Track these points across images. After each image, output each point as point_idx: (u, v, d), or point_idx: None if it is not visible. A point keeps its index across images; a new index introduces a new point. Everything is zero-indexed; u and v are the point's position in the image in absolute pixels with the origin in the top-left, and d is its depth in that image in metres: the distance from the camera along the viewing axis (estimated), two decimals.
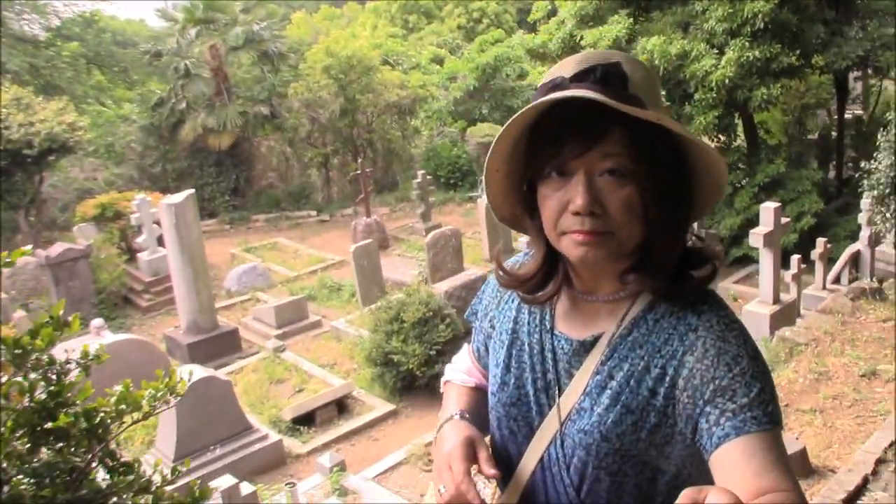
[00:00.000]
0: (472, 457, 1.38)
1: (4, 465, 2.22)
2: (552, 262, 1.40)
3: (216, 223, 18.33)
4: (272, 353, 10.90)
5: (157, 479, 2.44)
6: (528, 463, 1.41)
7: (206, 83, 18.92)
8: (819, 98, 15.21)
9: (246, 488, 5.30)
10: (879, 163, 9.02)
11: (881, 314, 7.30)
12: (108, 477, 2.37)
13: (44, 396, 2.20)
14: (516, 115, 1.24)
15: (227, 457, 7.94)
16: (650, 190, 1.24)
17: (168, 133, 19.25)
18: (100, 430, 2.33)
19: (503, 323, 1.52)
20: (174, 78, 19.07)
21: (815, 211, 12.51)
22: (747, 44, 11.65)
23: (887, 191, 8.90)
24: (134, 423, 2.43)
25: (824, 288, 10.24)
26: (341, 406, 9.54)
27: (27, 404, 2.18)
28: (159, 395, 2.41)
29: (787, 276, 9.50)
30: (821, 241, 10.20)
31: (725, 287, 12.33)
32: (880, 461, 4.28)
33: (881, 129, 9.27)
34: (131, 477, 2.21)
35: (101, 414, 2.32)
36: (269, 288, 14.29)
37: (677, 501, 0.88)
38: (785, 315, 8.88)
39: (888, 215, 8.94)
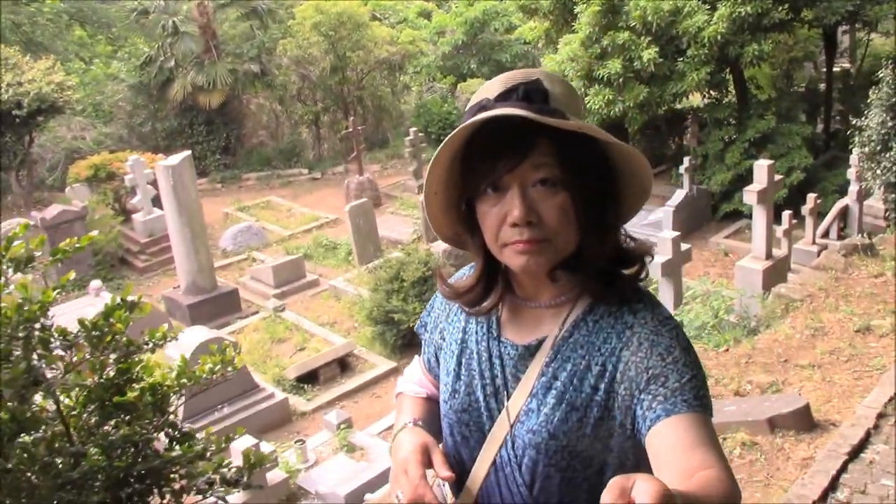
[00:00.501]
0: (427, 462, 1.43)
1: (74, 438, 2.36)
2: (491, 275, 1.48)
3: (207, 182, 18.25)
4: (272, 313, 11.03)
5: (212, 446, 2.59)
6: (482, 466, 1.46)
7: (194, 41, 18.75)
8: (807, 51, 15.22)
9: (265, 447, 5.46)
10: (870, 120, 9.11)
11: (873, 270, 7.47)
12: (168, 446, 2.52)
13: (112, 373, 2.33)
14: (446, 139, 1.33)
15: (235, 415, 8.11)
16: (580, 197, 1.32)
17: (157, 91, 19.14)
18: (162, 403, 2.46)
19: (452, 333, 1.58)
20: (162, 36, 18.87)
21: (805, 166, 12.65)
22: None
23: (878, 147, 9.02)
24: (193, 395, 2.57)
25: (814, 243, 10.45)
26: (343, 364, 9.72)
27: (97, 381, 2.31)
28: (216, 368, 2.54)
29: (778, 231, 9.66)
30: (811, 197, 10.37)
31: (717, 241, 12.50)
32: (881, 415, 4.47)
33: (872, 85, 9.34)
34: (199, 447, 2.35)
35: (165, 388, 2.45)
36: (265, 247, 14.38)
37: (606, 489, 0.91)
38: (777, 270, 9.07)
39: (878, 171, 9.06)
